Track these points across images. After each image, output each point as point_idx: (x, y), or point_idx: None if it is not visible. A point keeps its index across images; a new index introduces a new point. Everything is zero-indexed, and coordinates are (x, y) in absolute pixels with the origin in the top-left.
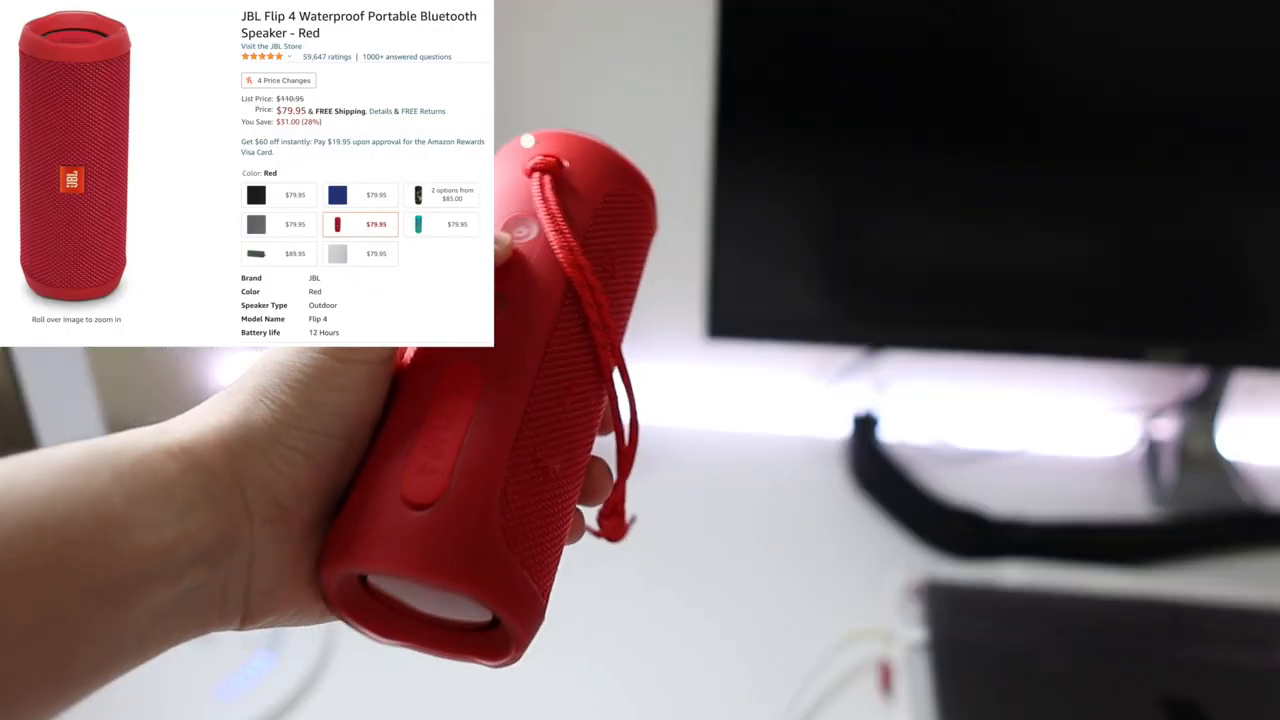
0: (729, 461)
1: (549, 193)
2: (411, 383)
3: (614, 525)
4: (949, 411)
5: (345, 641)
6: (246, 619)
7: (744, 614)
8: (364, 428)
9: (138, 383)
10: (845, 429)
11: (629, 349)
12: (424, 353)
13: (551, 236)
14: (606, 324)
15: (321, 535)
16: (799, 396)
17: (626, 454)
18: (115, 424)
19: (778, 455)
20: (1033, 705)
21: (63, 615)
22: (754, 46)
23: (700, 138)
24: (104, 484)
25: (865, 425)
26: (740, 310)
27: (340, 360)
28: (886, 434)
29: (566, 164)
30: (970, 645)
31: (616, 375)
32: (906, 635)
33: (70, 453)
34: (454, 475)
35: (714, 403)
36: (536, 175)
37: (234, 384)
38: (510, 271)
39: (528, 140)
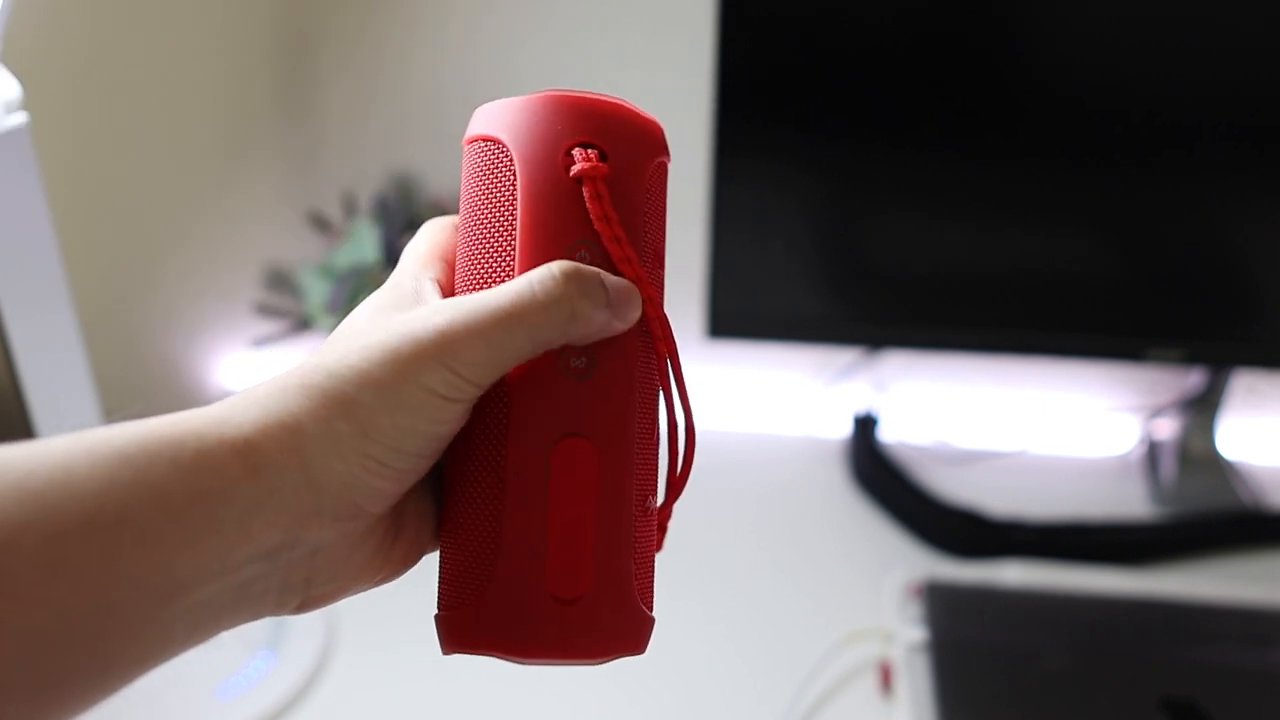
0: (729, 461)
1: (610, 210)
2: (517, 449)
3: (658, 540)
4: (949, 411)
5: (345, 641)
6: (304, 605)
7: (743, 614)
8: (450, 440)
9: (138, 383)
10: (845, 429)
11: None
12: (517, 395)
13: (623, 269)
14: (675, 355)
15: (392, 521)
16: (799, 396)
17: (680, 478)
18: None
19: (778, 455)
20: (1033, 705)
21: (111, 612)
22: (754, 45)
23: (700, 137)
24: (161, 477)
25: (865, 425)
26: (740, 310)
27: (447, 399)
28: (886, 434)
29: (609, 157)
30: (970, 645)
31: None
32: (906, 635)
33: (126, 439)
34: (595, 568)
35: (714, 403)
36: (588, 184)
37: (304, 376)
38: None
39: (544, 108)
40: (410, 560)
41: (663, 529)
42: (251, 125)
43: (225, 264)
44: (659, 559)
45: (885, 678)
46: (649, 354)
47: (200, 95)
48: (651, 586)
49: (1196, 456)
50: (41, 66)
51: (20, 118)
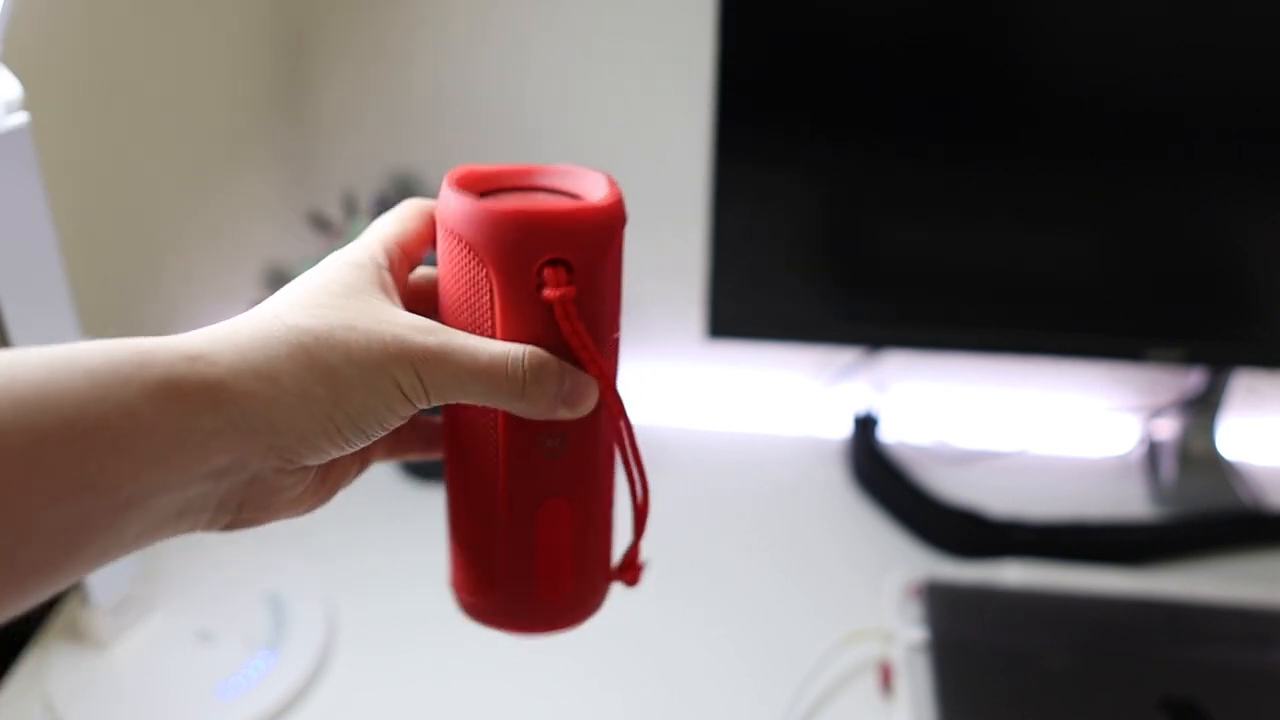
0: (729, 461)
1: (578, 325)
2: (508, 508)
3: (632, 575)
4: (949, 411)
5: (345, 641)
6: (231, 525)
7: (743, 614)
8: (389, 434)
9: None
10: (845, 429)
11: (626, 352)
12: (508, 470)
13: (589, 369)
14: (629, 426)
15: (322, 468)
16: (799, 396)
17: (640, 516)
18: None
19: (778, 455)
20: (1033, 705)
21: (78, 516)
22: (753, 47)
23: (700, 138)
24: (133, 397)
25: (865, 425)
26: (740, 310)
27: (406, 398)
28: (886, 434)
29: (574, 269)
30: (970, 645)
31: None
32: (906, 635)
33: (99, 359)
34: (573, 579)
35: (714, 403)
36: (558, 306)
37: (289, 334)
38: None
39: (516, 229)
40: (330, 496)
41: (635, 567)
42: (251, 125)
43: (225, 264)
44: (656, 559)
45: (885, 678)
46: (610, 423)
47: (200, 95)
48: (610, 560)
49: (1196, 456)
50: (41, 66)
51: (20, 118)
